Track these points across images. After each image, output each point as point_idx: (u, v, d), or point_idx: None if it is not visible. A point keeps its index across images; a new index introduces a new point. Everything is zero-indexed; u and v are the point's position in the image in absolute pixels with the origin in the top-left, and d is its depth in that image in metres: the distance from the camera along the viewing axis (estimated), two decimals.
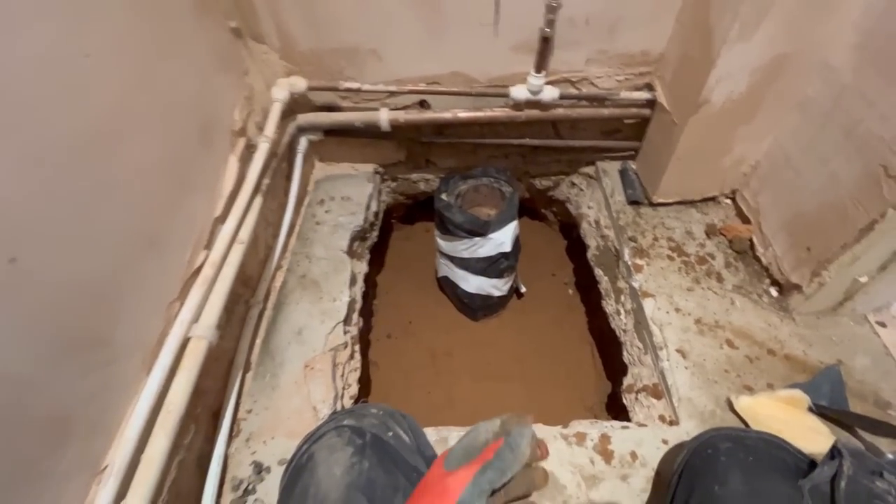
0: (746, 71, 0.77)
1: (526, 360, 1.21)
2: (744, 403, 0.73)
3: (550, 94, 0.95)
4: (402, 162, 1.22)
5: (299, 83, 0.95)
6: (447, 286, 1.28)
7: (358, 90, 0.96)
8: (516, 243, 1.14)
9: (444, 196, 1.09)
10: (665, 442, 0.72)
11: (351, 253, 1.06)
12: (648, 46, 0.93)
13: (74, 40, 0.50)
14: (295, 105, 1.01)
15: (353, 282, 1.01)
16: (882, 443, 0.69)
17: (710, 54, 0.76)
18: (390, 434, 0.57)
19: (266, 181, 0.88)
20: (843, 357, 0.80)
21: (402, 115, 1.00)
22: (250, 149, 0.88)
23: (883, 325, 0.83)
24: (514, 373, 1.19)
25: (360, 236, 1.13)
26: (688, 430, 0.73)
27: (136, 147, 0.59)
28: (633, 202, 1.05)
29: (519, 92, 0.94)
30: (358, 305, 1.04)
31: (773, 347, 0.82)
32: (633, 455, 0.71)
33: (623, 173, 1.10)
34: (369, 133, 1.06)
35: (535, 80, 0.92)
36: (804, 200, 0.81)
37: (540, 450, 0.40)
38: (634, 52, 0.94)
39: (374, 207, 1.19)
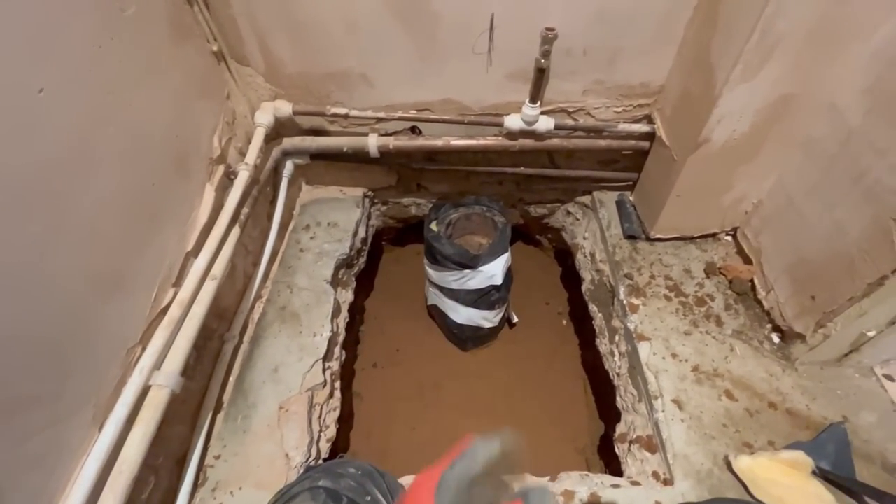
0: (749, 110, 0.74)
1: (516, 394, 1.16)
2: (743, 465, 0.68)
3: (546, 124, 0.91)
4: (392, 186, 1.19)
5: (284, 107, 0.91)
6: (437, 314, 1.24)
7: (346, 115, 0.92)
8: (508, 274, 1.10)
9: (433, 226, 1.05)
10: None
11: (335, 282, 1.02)
12: (648, 78, 0.90)
13: (26, 75, 0.46)
14: (281, 128, 0.98)
15: (336, 313, 0.97)
16: None
17: (711, 93, 0.73)
18: (368, 499, 0.53)
19: (245, 210, 0.84)
20: (848, 413, 0.76)
21: (392, 142, 0.97)
22: (230, 175, 0.84)
23: (891, 378, 0.79)
24: (503, 408, 1.14)
25: (346, 264, 1.09)
26: (683, 491, 0.69)
27: (98, 183, 0.55)
28: (630, 236, 1.01)
29: (513, 121, 0.91)
30: (341, 338, 0.99)
31: (774, 400, 0.77)
32: None
33: (620, 205, 1.06)
34: (357, 158, 1.03)
35: (530, 109, 0.88)
36: (808, 246, 0.77)
37: None
38: (634, 84, 0.91)
39: (361, 233, 1.15)
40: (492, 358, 1.25)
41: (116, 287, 0.58)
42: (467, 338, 1.21)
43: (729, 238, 1.01)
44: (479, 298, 1.08)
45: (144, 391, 0.60)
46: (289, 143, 0.98)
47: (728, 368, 0.81)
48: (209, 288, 0.72)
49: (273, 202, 1.01)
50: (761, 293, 0.88)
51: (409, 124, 0.98)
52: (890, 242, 0.62)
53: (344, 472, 0.55)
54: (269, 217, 1.00)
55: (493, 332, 1.23)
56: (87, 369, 0.54)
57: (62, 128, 0.50)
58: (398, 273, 1.44)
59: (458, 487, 0.33)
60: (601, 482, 0.72)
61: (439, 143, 0.97)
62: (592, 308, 1.06)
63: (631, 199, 1.07)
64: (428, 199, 1.21)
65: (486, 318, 1.14)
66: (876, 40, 0.64)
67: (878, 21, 0.62)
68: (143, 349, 0.62)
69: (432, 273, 1.10)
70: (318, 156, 1.03)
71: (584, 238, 1.15)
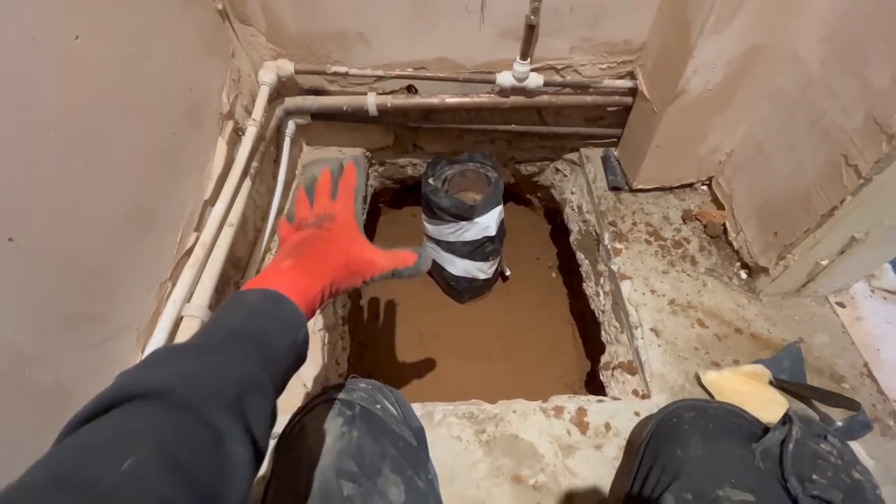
0: (722, 62, 0.80)
1: (510, 340, 1.25)
2: (710, 378, 0.77)
3: (535, 81, 0.97)
4: (389, 147, 1.24)
5: (286, 66, 0.95)
6: (434, 269, 1.31)
7: (346, 74, 0.97)
8: (501, 227, 1.17)
9: (431, 180, 1.11)
10: (637, 414, 0.77)
11: None
12: (631, 36, 0.95)
13: (65, 23, 0.51)
14: (282, 88, 1.02)
15: None
16: (835, 412, 0.75)
17: (687, 45, 0.79)
18: (378, 406, 0.61)
19: (255, 164, 0.89)
20: (804, 335, 0.85)
21: (390, 100, 1.02)
22: (238, 132, 0.89)
23: (842, 305, 0.89)
24: (498, 352, 1.23)
25: None
26: (658, 402, 0.78)
27: (128, 128, 0.60)
28: (614, 188, 1.08)
29: (505, 78, 0.96)
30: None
31: (740, 326, 0.87)
32: (607, 426, 0.76)
33: (605, 160, 1.13)
34: (357, 117, 1.07)
35: (521, 67, 0.94)
36: (773, 187, 0.85)
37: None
38: (617, 41, 0.96)
39: (361, 192, 1.20)
40: (486, 308, 1.33)
41: (149, 225, 0.64)
42: (463, 289, 1.29)
43: (704, 188, 1.09)
44: (474, 250, 1.15)
45: (178, 321, 0.67)
46: (290, 102, 1.02)
47: (700, 301, 0.90)
48: (227, 234, 0.78)
49: (277, 161, 1.06)
50: (732, 235, 0.97)
51: (406, 83, 1.03)
52: (839, 176, 0.70)
53: (356, 387, 0.62)
54: (275, 176, 1.05)
55: (487, 284, 1.31)
56: (128, 297, 0.61)
57: (96, 73, 0.55)
58: (396, 233, 1.50)
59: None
60: (587, 399, 0.81)
61: (435, 101, 1.02)
62: (579, 256, 1.14)
63: (615, 153, 1.14)
64: (423, 159, 1.26)
65: (480, 270, 1.22)
66: None
67: None
68: (174, 284, 0.69)
69: (430, 227, 1.17)
70: (319, 115, 1.08)
71: (572, 193, 1.22)
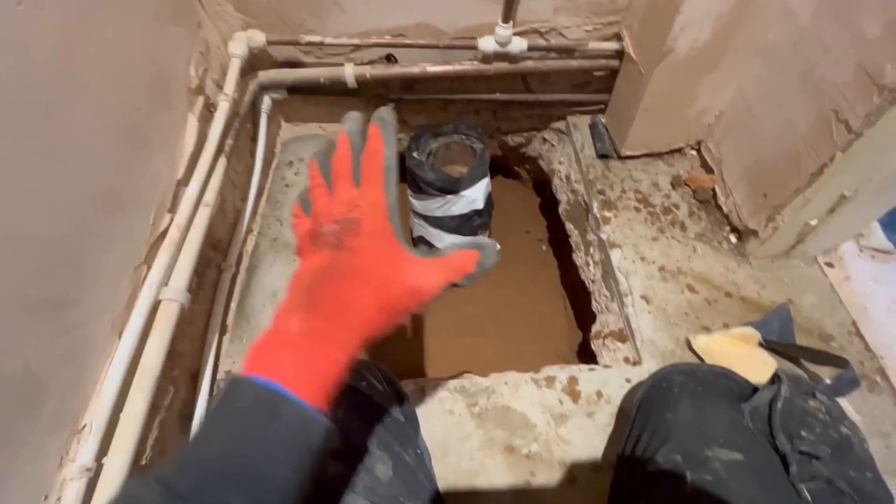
0: (710, 17, 0.77)
1: (501, 314, 1.25)
2: (701, 342, 0.77)
3: (519, 45, 0.93)
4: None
5: (257, 37, 0.90)
6: (423, 245, 1.29)
7: (320, 44, 0.93)
8: (489, 200, 1.15)
9: (415, 154, 1.08)
10: (628, 380, 0.77)
11: None
12: None
13: None
14: (255, 61, 0.97)
15: None
16: (823, 371, 0.75)
17: (674, 0, 0.76)
18: (364, 384, 0.60)
19: (229, 142, 0.86)
20: (793, 296, 0.85)
21: (369, 71, 0.98)
22: (210, 108, 0.85)
23: (831, 265, 0.89)
24: (489, 328, 1.23)
25: None
26: (649, 368, 0.78)
27: (85, 103, 0.57)
28: (603, 156, 1.06)
29: (487, 43, 0.93)
30: None
31: (730, 290, 0.86)
32: (599, 394, 0.76)
33: (593, 127, 1.10)
34: (335, 90, 1.03)
35: (503, 30, 0.90)
36: (763, 148, 0.84)
37: None
38: (602, 1, 0.92)
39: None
40: (477, 283, 1.32)
41: (118, 206, 0.61)
42: None
43: (694, 152, 1.07)
44: (462, 224, 1.13)
45: (155, 305, 0.65)
46: (264, 76, 0.98)
47: (690, 266, 0.89)
48: (203, 214, 0.75)
49: (254, 139, 1.02)
50: (721, 199, 0.95)
51: (384, 52, 0.99)
52: (829, 132, 0.68)
53: None
54: (252, 154, 1.01)
55: None
56: (101, 282, 0.58)
57: (44, 43, 0.51)
58: None
59: None
60: (579, 368, 0.81)
61: (416, 70, 0.99)
62: (569, 226, 1.12)
63: (603, 120, 1.11)
64: (407, 132, 1.23)
65: None
66: None
67: None
68: (149, 268, 0.66)
69: (416, 203, 1.15)
70: (295, 89, 1.03)
71: (560, 163, 1.20)
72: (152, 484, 0.25)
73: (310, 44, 0.93)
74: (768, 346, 0.77)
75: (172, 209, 0.73)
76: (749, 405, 0.55)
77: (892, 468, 0.68)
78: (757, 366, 0.74)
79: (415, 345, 1.20)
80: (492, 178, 1.49)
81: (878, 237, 0.91)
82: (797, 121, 0.75)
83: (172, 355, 0.71)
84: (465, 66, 0.98)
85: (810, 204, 0.76)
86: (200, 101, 0.82)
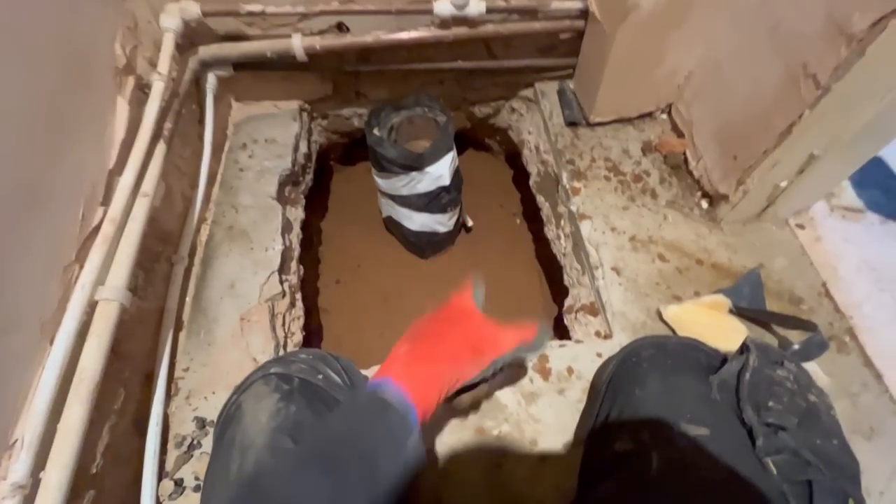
0: None
1: None
2: (671, 312, 0.76)
3: (477, 7, 0.87)
4: (329, 96, 1.13)
5: (191, 7, 0.83)
6: (393, 226, 1.25)
7: (263, 13, 0.85)
8: (457, 175, 1.11)
9: (375, 130, 1.02)
10: (599, 355, 0.76)
11: (282, 199, 1.00)
12: None
13: None
14: (194, 36, 0.90)
15: (287, 229, 0.97)
16: (793, 335, 0.74)
17: None
18: (320, 377, 0.57)
19: (168, 125, 0.79)
20: (764, 260, 0.84)
21: (319, 42, 0.91)
22: (144, 89, 0.78)
23: (801, 227, 0.87)
24: None
25: (290, 181, 1.06)
26: (621, 341, 0.77)
27: None
28: (571, 123, 1.02)
29: (443, 7, 0.86)
30: (296, 253, 1.00)
31: (701, 257, 0.85)
32: (570, 370, 0.74)
33: (561, 93, 1.06)
34: (285, 65, 0.96)
35: None
36: (732, 108, 0.81)
37: None
38: None
39: (303, 149, 1.11)
40: (451, 262, 1.29)
41: (38, 201, 0.56)
42: (425, 245, 1.24)
43: (665, 116, 1.03)
44: (430, 202, 1.09)
45: (92, 307, 0.60)
46: (205, 52, 0.91)
47: (661, 235, 0.87)
48: (142, 205, 0.70)
49: (201, 121, 0.96)
50: (692, 164, 0.93)
51: (334, 20, 0.92)
52: (797, 89, 0.65)
53: (295, 359, 0.57)
54: (200, 138, 0.95)
55: (449, 237, 1.26)
56: (24, 285, 0.53)
57: None
58: (351, 191, 1.42)
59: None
60: (550, 345, 0.79)
61: (369, 39, 0.92)
62: (540, 199, 1.09)
63: (571, 86, 1.06)
64: (369, 107, 1.17)
65: (439, 223, 1.16)
66: None
67: None
68: (81, 267, 0.61)
69: (381, 182, 1.10)
70: (242, 65, 0.96)
71: (529, 133, 1.16)
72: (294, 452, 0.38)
73: (251, 14, 0.86)
74: (739, 312, 0.76)
75: (105, 202, 0.67)
76: (717, 377, 0.53)
77: (861, 428, 0.69)
78: (728, 333, 0.73)
79: (390, 327, 1.17)
80: (462, 151, 1.44)
81: (849, 196, 0.90)
82: (765, 78, 0.72)
83: (121, 357, 0.67)
84: (422, 32, 0.92)
85: (779, 165, 0.73)
86: (131, 81, 0.75)
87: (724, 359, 0.60)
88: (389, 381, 0.40)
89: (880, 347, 0.74)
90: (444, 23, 0.91)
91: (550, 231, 1.05)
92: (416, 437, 0.38)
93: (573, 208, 0.92)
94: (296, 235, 1.04)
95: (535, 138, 1.11)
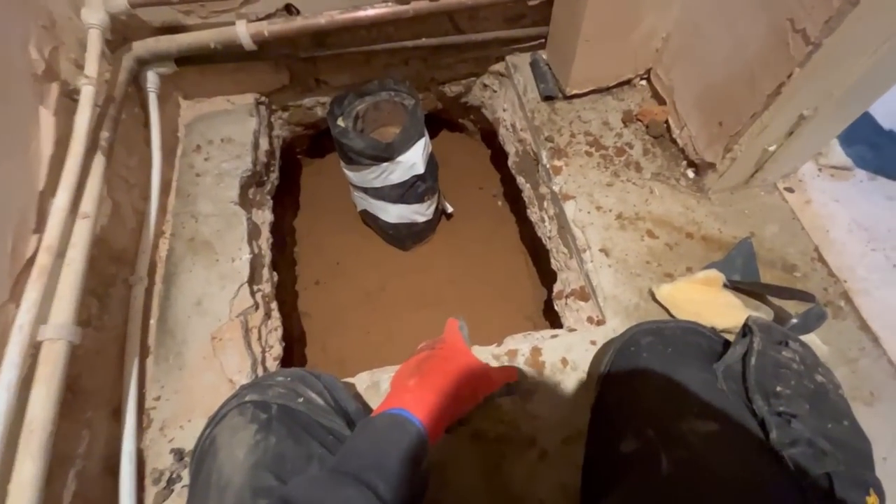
0: None
1: (461, 281, 1.18)
2: (664, 292, 0.73)
3: None
4: (286, 86, 1.05)
5: None
6: (369, 219, 1.19)
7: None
8: (431, 161, 1.05)
9: (340, 121, 0.95)
10: (593, 343, 0.73)
11: (246, 203, 0.93)
12: None
13: None
14: (125, 30, 0.81)
15: (254, 234, 0.90)
16: (789, 304, 0.72)
17: None
18: (300, 400, 0.52)
19: (105, 134, 0.71)
20: (755, 228, 0.81)
21: (267, 27, 0.83)
22: (71, 96, 0.70)
23: (791, 190, 0.85)
24: (450, 296, 1.16)
25: (253, 182, 0.99)
26: (614, 326, 0.74)
27: None
28: (547, 97, 0.97)
29: None
30: (267, 259, 0.94)
31: (690, 230, 0.81)
32: (564, 361, 0.71)
33: (534, 66, 1.00)
34: (233, 55, 0.88)
35: None
36: (714, 71, 0.76)
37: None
38: None
39: (264, 146, 1.04)
40: (433, 252, 1.24)
41: None
42: (404, 236, 1.19)
43: (644, 83, 0.99)
44: (405, 192, 1.03)
45: (35, 348, 0.54)
46: (141, 47, 0.82)
47: (649, 210, 0.84)
48: (83, 227, 0.63)
49: (147, 125, 0.87)
50: (675, 132, 0.89)
51: (281, 1, 0.84)
52: (785, 45, 0.61)
53: (272, 382, 0.53)
54: (147, 143, 0.87)
55: (429, 226, 1.21)
56: None
57: None
58: (323, 185, 1.35)
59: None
60: (541, 336, 0.76)
61: (322, 20, 0.84)
62: (520, 180, 1.04)
63: (544, 57, 1.00)
64: (331, 95, 1.09)
65: (418, 213, 1.11)
66: None
67: None
68: (17, 306, 0.54)
69: (352, 175, 1.03)
70: (185, 60, 0.88)
71: (504, 110, 1.10)
72: (324, 476, 0.38)
73: (186, 1, 0.77)
74: (733, 285, 0.73)
75: (38, 228, 0.60)
76: (722, 364, 0.50)
77: (860, 394, 0.67)
78: (724, 309, 0.71)
79: (374, 326, 1.13)
80: (435, 133, 1.38)
81: (837, 154, 0.87)
82: (749, 37, 0.67)
83: (80, 395, 0.62)
84: (380, 9, 0.85)
85: (768, 129, 0.70)
86: (54, 88, 0.67)
87: (725, 342, 0.57)
88: (405, 410, 0.43)
89: (876, 309, 0.72)
90: None
91: (534, 213, 1.00)
92: (428, 457, 0.42)
93: (555, 188, 0.87)
94: (265, 240, 0.97)
95: (511, 115, 1.06)
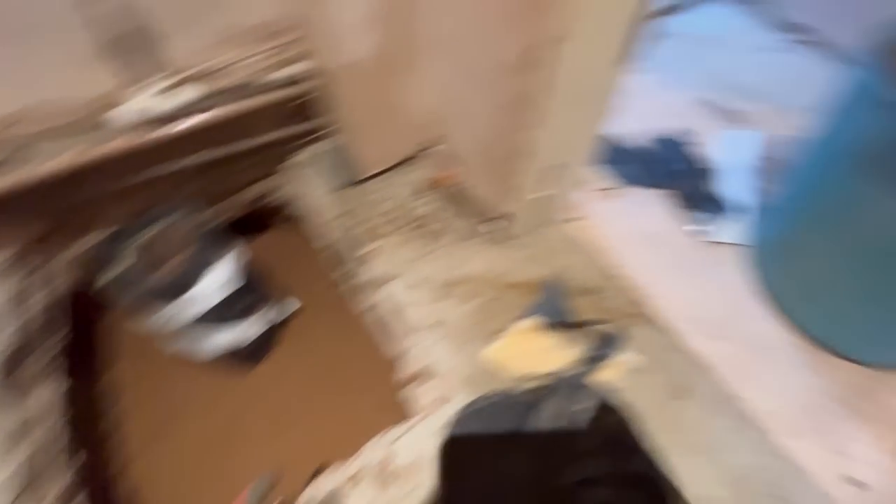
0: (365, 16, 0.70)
1: (316, 391, 1.08)
2: (490, 355, 0.73)
3: (182, 97, 0.76)
4: (53, 231, 0.90)
5: None
6: (199, 352, 1.05)
7: None
8: (250, 272, 0.97)
9: (116, 267, 0.83)
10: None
11: (16, 385, 0.75)
12: (268, 13, 0.79)
13: None
14: None
15: (27, 427, 0.72)
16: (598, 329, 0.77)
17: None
18: None
19: None
20: (561, 263, 0.87)
21: None
22: None
23: (579, 219, 0.93)
24: (305, 412, 1.05)
25: (23, 356, 0.81)
26: (462, 401, 0.71)
27: None
28: (344, 185, 0.96)
29: (130, 111, 0.73)
30: (61, 444, 0.76)
31: (508, 281, 0.85)
32: (415, 464, 0.66)
33: (324, 157, 0.99)
34: None
35: (149, 90, 0.71)
36: (483, 136, 0.82)
37: None
38: (258, 23, 0.79)
39: (35, 307, 0.87)
40: (284, 358, 1.13)
41: None
42: (245, 356, 1.07)
43: (434, 152, 1.03)
44: (225, 314, 0.93)
45: None
46: None
47: (464, 273, 0.86)
48: None
49: None
50: (472, 192, 0.93)
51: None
52: (522, 113, 0.67)
53: None
54: None
55: (271, 333, 1.10)
56: None
57: None
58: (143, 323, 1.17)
59: None
60: (392, 437, 0.70)
61: (61, 165, 0.74)
62: (339, 271, 1.01)
63: (332, 146, 1.00)
64: (110, 230, 0.96)
65: (249, 328, 1.00)
66: None
67: None
68: None
69: (157, 320, 0.90)
70: None
71: (307, 204, 1.07)
72: None
73: None
74: (552, 326, 0.77)
75: None
76: (529, 439, 0.50)
77: (679, 393, 0.73)
78: (548, 354, 0.73)
79: (224, 474, 0.97)
80: (255, 237, 1.29)
81: (605, 178, 0.99)
82: (495, 109, 0.73)
83: None
84: (129, 140, 0.77)
85: (540, 178, 0.76)
86: None
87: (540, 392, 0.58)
88: None
89: (673, 309, 0.80)
90: (146, 125, 0.77)
91: (361, 302, 0.97)
92: None
93: (372, 275, 0.85)
94: (55, 423, 0.79)
95: (315, 211, 1.03)
